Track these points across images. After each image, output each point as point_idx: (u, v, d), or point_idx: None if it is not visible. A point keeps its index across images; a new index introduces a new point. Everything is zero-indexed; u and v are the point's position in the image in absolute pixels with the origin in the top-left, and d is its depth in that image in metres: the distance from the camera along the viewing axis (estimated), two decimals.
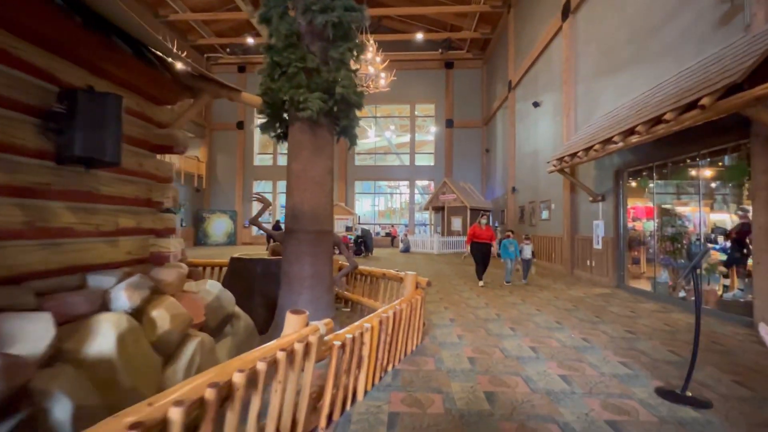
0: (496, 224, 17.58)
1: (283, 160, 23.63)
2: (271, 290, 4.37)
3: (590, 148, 6.81)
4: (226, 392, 1.45)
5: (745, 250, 5.43)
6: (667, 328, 4.67)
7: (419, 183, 23.69)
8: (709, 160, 5.87)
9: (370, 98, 21.65)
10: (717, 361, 3.51)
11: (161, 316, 2.10)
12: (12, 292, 1.57)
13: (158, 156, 2.85)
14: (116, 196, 2.33)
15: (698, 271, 2.84)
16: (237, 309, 3.34)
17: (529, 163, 13.31)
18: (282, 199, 24.63)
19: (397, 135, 25.88)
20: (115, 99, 1.94)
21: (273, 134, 4.16)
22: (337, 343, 2.39)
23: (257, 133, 22.80)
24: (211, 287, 2.80)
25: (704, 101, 4.13)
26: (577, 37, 9.71)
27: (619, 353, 3.71)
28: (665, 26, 6.40)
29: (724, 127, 4.93)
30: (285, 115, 4.02)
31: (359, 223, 19.18)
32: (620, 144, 5.91)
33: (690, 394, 2.70)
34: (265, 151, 23.40)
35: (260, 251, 6.44)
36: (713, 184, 6.48)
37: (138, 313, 2.09)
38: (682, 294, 6.13)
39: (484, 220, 7.83)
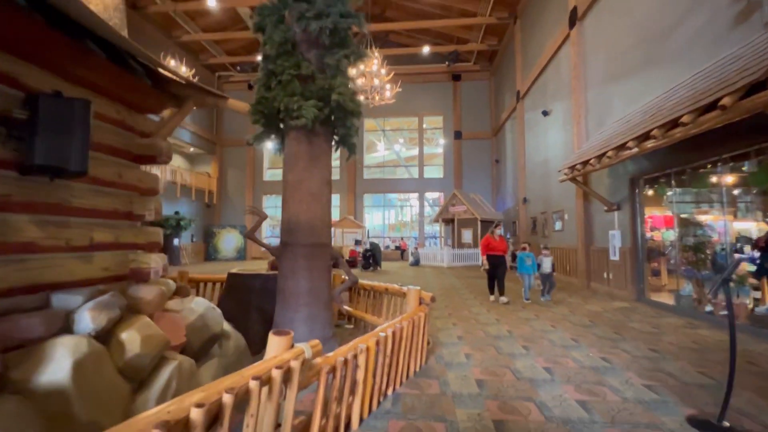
0: (508, 236, 17.17)
1: None
2: (269, 307, 4.18)
3: (603, 155, 6.54)
4: None
5: None
6: (694, 346, 4.29)
7: (429, 195, 23.48)
8: (731, 165, 5.54)
9: (377, 111, 21.76)
10: (756, 384, 3.15)
11: (131, 338, 1.92)
12: None
13: (150, 168, 2.74)
14: (90, 208, 2.20)
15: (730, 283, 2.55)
16: (227, 328, 3.15)
17: (539, 173, 13.01)
18: None
19: (406, 148, 25.86)
20: (81, 105, 1.81)
21: (268, 146, 4.03)
22: (326, 367, 2.17)
23: (267, 148, 23.02)
24: (197, 305, 2.63)
25: (725, 101, 3.86)
26: (585, 44, 9.53)
27: (644, 375, 3.38)
28: (676, 29, 6.17)
29: (746, 130, 4.62)
30: (281, 126, 3.91)
31: (368, 237, 18.97)
32: (635, 150, 5.63)
33: (728, 425, 2.38)
34: (275, 166, 23.57)
35: (263, 266, 6.29)
36: (736, 191, 6.12)
37: (106, 336, 1.92)
38: (708, 308, 5.72)
39: (498, 231, 7.34)
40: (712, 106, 4.12)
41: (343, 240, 19.27)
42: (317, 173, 3.78)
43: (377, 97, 9.93)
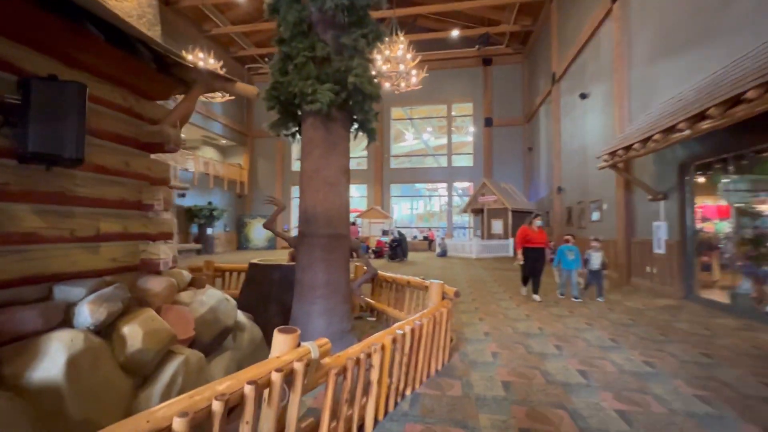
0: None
1: None
2: (289, 298, 4.10)
3: (649, 138, 5.96)
4: None
5: None
6: (755, 351, 3.82)
7: (458, 185, 22.94)
8: None
9: (404, 100, 21.33)
10: None
11: (133, 332, 1.85)
12: None
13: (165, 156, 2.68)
14: (96, 197, 2.14)
15: None
16: (242, 320, 3.08)
17: (576, 161, 12.26)
18: None
19: (434, 137, 25.32)
20: (76, 88, 1.73)
21: (285, 133, 3.91)
22: (336, 368, 2.02)
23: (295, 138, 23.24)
24: (208, 297, 2.55)
25: None
26: (629, 19, 8.74)
27: (695, 384, 3.02)
28: None
29: None
30: (299, 112, 3.76)
31: (395, 227, 18.81)
32: (686, 132, 5.06)
33: None
34: None
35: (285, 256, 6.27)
36: None
37: (108, 330, 1.86)
38: None
39: (538, 222, 6.57)
40: None
41: (369, 230, 19.22)
42: (334, 161, 3.61)
43: (403, 84, 9.60)
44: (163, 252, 2.41)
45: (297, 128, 3.89)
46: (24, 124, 1.60)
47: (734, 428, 2.36)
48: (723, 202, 6.52)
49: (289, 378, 1.74)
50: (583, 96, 11.30)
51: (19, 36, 1.75)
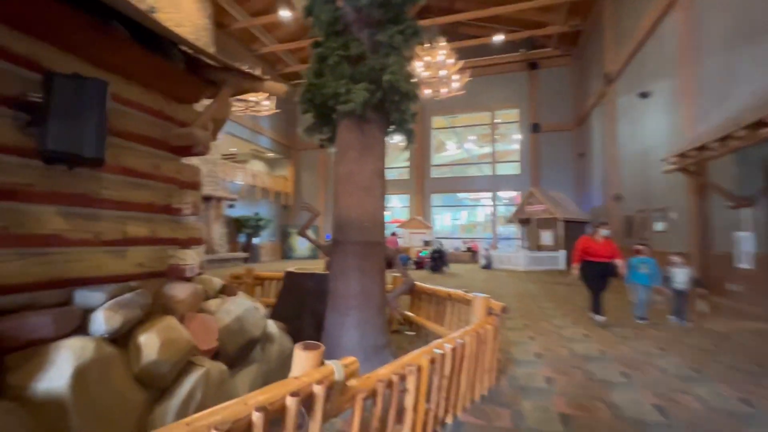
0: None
1: None
2: (323, 308, 3.94)
3: (728, 136, 5.20)
4: None
5: None
6: None
7: (503, 194, 22.04)
8: None
9: (446, 107, 20.99)
10: None
11: (148, 342, 1.74)
12: None
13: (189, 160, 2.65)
14: (123, 200, 2.11)
15: None
16: (272, 331, 2.94)
17: (636, 165, 11.22)
18: None
19: (478, 146, 24.66)
20: (97, 85, 1.68)
21: (320, 138, 3.80)
22: (363, 392, 1.77)
23: None
24: (235, 306, 2.43)
25: None
26: (697, 5, 7.88)
27: None
28: None
29: None
30: (334, 116, 3.64)
31: (436, 237, 18.34)
32: None
33: None
34: None
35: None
36: None
37: (126, 338, 1.77)
38: None
39: (604, 231, 5.56)
40: None
41: (410, 241, 18.91)
42: (369, 164, 3.43)
43: (444, 90, 9.33)
44: (191, 257, 2.33)
45: (332, 133, 3.77)
46: (44, 121, 1.57)
47: None
48: None
49: (308, 402, 1.52)
50: (644, 95, 10.35)
51: (46, 34, 1.75)
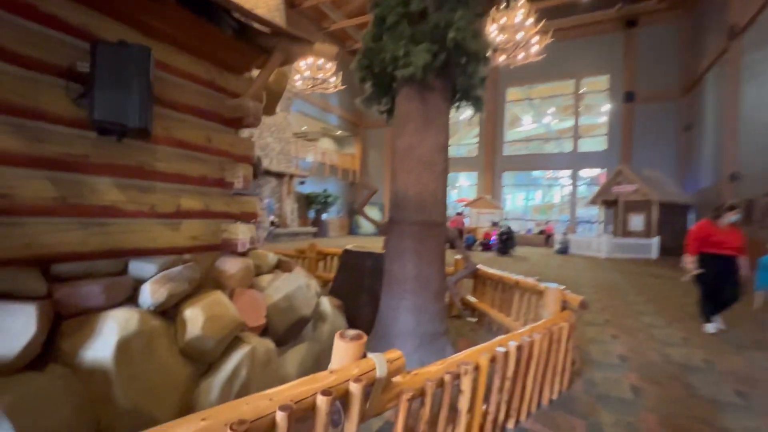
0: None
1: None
2: (380, 288, 3.82)
3: None
4: None
5: None
6: None
7: (585, 173, 19.98)
8: None
9: (522, 78, 19.25)
10: None
11: (194, 317, 1.72)
12: (15, 276, 1.39)
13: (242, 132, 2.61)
14: (177, 173, 2.11)
15: None
16: (325, 309, 2.87)
17: (764, 138, 9.21)
18: None
19: (558, 120, 22.47)
20: (140, 51, 1.63)
21: (379, 110, 3.55)
22: (409, 391, 1.57)
23: None
24: (285, 283, 2.37)
25: None
26: None
27: None
28: None
29: None
30: (393, 84, 3.36)
31: (506, 218, 17.34)
32: None
33: None
34: None
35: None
36: None
37: (175, 311, 1.77)
38: None
39: (732, 216, 4.20)
40: None
41: (477, 221, 18.14)
42: (431, 137, 3.11)
43: (521, 55, 8.37)
44: (242, 232, 2.31)
45: (392, 103, 3.50)
46: (90, 91, 1.56)
47: None
48: None
49: (345, 399, 1.36)
50: None
51: (95, 1, 1.73)
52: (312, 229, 17.56)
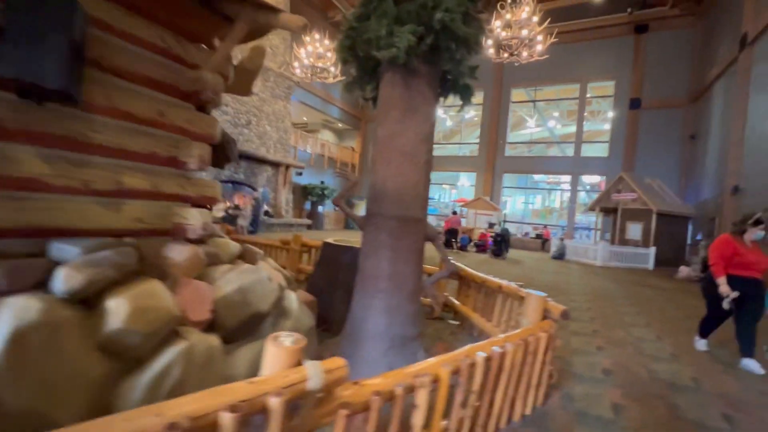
0: (699, 237, 12.90)
1: (449, 150, 23.27)
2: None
3: None
4: None
5: None
6: None
7: (586, 179, 19.76)
8: None
9: (528, 79, 18.96)
10: None
11: (116, 308, 1.52)
12: None
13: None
14: (119, 148, 1.91)
15: None
16: (289, 305, 2.67)
17: None
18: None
19: (561, 125, 22.21)
20: (62, 2, 1.42)
21: (364, 97, 3.34)
22: (349, 406, 1.38)
23: None
24: (241, 275, 2.17)
25: None
26: None
27: None
28: None
29: None
30: (379, 69, 3.14)
31: (504, 221, 17.13)
32: None
33: None
34: None
35: None
36: None
37: (96, 301, 1.57)
38: None
39: (759, 232, 3.57)
40: None
41: (475, 222, 17.94)
42: (413, 126, 2.90)
43: (525, 53, 8.13)
44: (193, 217, 2.11)
45: (378, 90, 3.28)
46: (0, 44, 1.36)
47: None
48: None
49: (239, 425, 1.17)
50: None
51: None
52: (307, 221, 17.36)
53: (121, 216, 1.93)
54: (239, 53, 2.94)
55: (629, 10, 15.48)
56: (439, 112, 23.43)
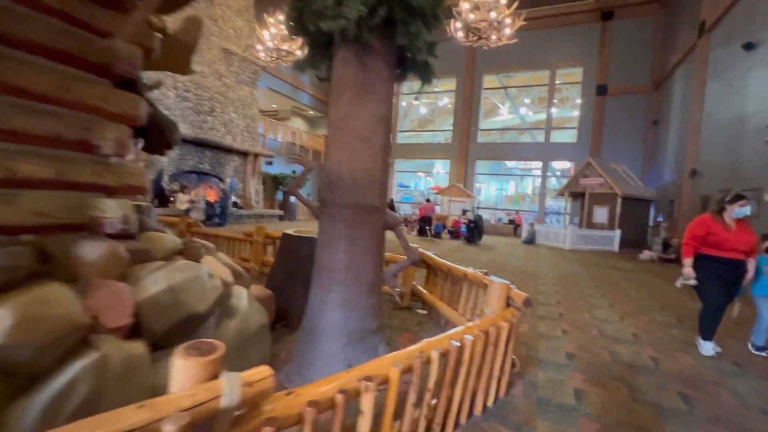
0: (660, 219, 13.44)
1: (424, 138, 23.09)
2: None
3: None
4: None
5: None
6: None
7: (556, 164, 20.17)
8: None
9: (498, 65, 18.98)
10: None
11: None
12: None
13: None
14: (9, 129, 1.62)
15: None
16: (237, 303, 2.46)
17: (725, 135, 9.35)
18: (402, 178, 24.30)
19: (532, 112, 22.47)
20: None
21: (319, 76, 3.09)
22: (276, 422, 1.20)
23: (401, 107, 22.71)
24: (172, 273, 1.94)
25: None
26: None
27: None
28: None
29: None
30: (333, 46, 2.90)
31: (477, 207, 17.28)
32: None
33: None
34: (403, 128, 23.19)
35: None
36: None
37: None
38: None
39: (740, 209, 3.31)
40: None
41: (449, 209, 18.01)
42: (368, 108, 2.70)
43: (494, 37, 8.02)
44: (110, 209, 1.85)
45: (329, 66, 3.04)
46: None
47: None
48: None
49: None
50: (749, 46, 8.36)
51: None
52: (278, 212, 16.90)
53: (17, 209, 1.65)
54: (171, 24, 2.61)
55: None
56: (413, 99, 23.22)
